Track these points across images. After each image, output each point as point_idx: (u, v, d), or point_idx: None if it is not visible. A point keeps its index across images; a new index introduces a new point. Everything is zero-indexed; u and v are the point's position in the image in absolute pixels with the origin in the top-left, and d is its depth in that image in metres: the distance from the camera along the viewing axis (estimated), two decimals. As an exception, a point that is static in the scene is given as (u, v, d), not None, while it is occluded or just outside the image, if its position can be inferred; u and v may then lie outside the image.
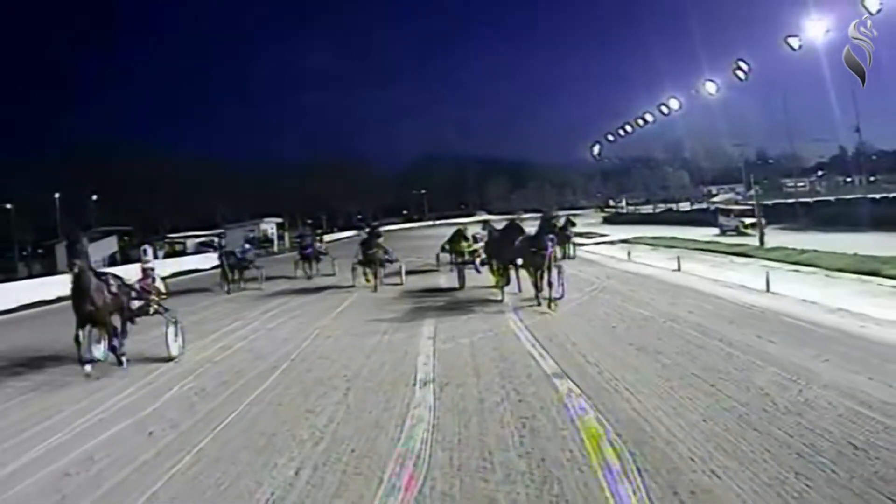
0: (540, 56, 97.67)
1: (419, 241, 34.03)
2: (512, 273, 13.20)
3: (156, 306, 9.79)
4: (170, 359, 8.91)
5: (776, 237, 21.62)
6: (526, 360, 7.73)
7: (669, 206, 60.93)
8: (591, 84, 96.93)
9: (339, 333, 10.50)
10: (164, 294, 10.36)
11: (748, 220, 27.76)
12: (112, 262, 33.03)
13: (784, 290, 11.31)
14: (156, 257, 35.59)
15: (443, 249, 19.09)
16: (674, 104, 45.85)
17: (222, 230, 46.12)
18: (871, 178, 56.21)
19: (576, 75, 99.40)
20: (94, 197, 51.58)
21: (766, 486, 3.92)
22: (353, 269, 17.57)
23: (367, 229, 18.81)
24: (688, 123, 53.39)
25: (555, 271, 11.60)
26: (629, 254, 20.78)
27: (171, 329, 9.21)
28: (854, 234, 19.61)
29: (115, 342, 8.73)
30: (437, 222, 70.29)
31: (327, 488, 4.35)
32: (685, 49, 77.30)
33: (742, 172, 53.04)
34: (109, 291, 8.59)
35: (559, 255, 12.65)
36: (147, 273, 10.35)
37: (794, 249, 16.99)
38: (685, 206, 58.55)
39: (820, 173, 69.10)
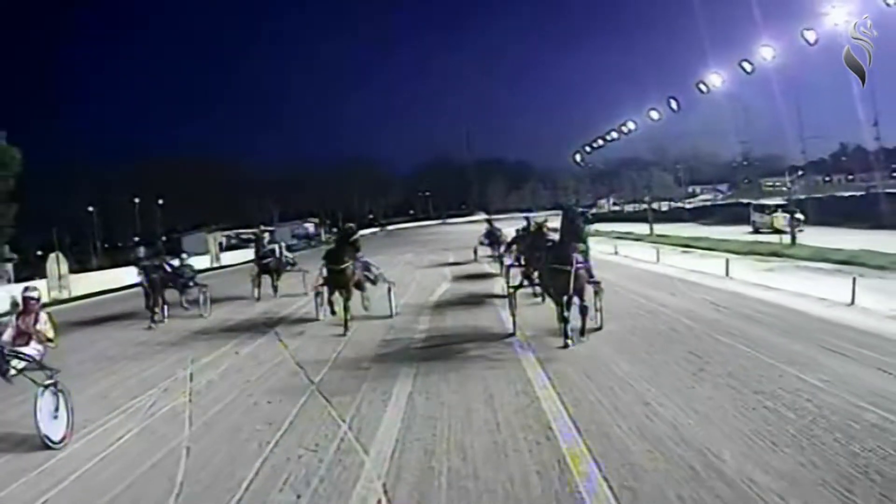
0: (537, 59, 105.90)
1: (432, 236, 44.54)
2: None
3: (21, 363, 6.37)
4: (46, 446, 5.68)
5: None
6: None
7: (650, 205, 67.52)
8: (588, 87, 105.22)
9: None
10: (50, 341, 6.93)
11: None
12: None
13: (625, 252, 21.83)
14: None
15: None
16: (655, 114, 46.69)
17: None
18: (850, 177, 61.46)
19: (572, 78, 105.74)
20: (161, 201, 62.62)
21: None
22: (318, 295, 12.48)
23: (337, 234, 13.49)
24: (673, 127, 56.93)
25: (589, 291, 9.31)
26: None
27: (47, 399, 5.93)
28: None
29: None
30: (449, 220, 77.54)
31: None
32: (685, 49, 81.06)
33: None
34: None
35: (593, 269, 9.82)
36: (29, 306, 6.93)
37: (665, 235, 27.56)
38: (665, 206, 64.15)
39: (800, 173, 76.53)
